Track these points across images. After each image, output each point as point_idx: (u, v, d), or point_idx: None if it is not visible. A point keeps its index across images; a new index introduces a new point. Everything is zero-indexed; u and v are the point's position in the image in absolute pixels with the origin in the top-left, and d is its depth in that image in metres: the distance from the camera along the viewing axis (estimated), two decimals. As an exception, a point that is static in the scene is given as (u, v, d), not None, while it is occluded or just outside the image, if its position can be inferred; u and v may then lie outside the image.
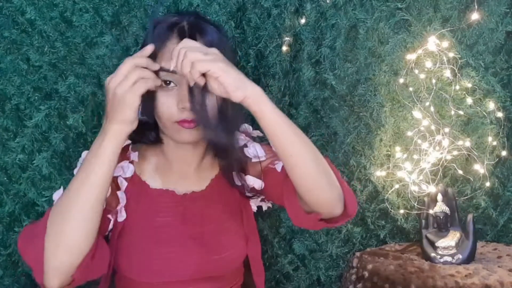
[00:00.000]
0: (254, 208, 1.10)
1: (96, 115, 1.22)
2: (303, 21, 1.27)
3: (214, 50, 0.81)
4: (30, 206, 1.22)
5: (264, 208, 1.12)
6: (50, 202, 1.20)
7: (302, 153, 0.84)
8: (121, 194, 0.96)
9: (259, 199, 1.08)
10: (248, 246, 1.03)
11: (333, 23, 1.28)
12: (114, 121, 0.80)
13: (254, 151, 1.01)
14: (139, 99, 0.80)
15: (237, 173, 1.01)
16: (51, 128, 1.21)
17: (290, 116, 1.27)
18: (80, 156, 1.19)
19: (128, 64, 0.80)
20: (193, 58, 0.78)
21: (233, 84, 0.79)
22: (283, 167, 0.95)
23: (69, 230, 0.80)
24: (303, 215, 0.90)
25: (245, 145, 1.03)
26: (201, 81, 0.81)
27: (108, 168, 0.81)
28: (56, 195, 0.90)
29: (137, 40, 1.21)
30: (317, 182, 0.85)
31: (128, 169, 0.97)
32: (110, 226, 0.94)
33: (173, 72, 0.84)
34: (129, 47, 1.21)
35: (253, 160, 1.01)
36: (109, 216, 0.93)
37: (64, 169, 1.22)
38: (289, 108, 1.29)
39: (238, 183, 1.02)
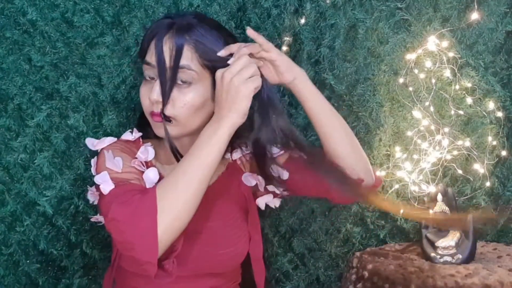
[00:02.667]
0: (263, 207, 1.11)
1: (97, 115, 1.23)
2: (302, 21, 1.27)
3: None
4: (31, 205, 1.22)
5: (276, 205, 1.14)
6: (51, 202, 1.21)
7: (338, 125, 1.01)
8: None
9: (271, 196, 1.11)
10: (250, 245, 1.04)
11: (333, 23, 1.28)
12: (232, 111, 0.85)
13: (275, 149, 1.07)
14: (253, 93, 0.87)
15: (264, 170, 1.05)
16: (52, 127, 1.22)
17: (290, 115, 1.28)
18: (82, 155, 1.22)
19: (246, 58, 0.88)
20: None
21: (286, 65, 0.94)
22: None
23: (184, 207, 0.83)
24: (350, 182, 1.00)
25: None
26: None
27: (220, 154, 0.87)
28: (100, 179, 0.90)
29: (137, 40, 1.22)
30: (353, 148, 1.02)
31: (148, 152, 0.99)
32: None
33: (153, 66, 0.92)
34: (129, 47, 1.22)
35: (274, 155, 1.06)
36: None
37: (65, 169, 1.23)
38: (289, 107, 1.29)
39: (253, 182, 1.07)
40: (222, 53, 0.92)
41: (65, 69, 1.21)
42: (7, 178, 1.22)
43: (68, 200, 1.23)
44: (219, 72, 0.87)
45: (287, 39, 1.27)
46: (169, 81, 0.90)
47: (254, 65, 0.88)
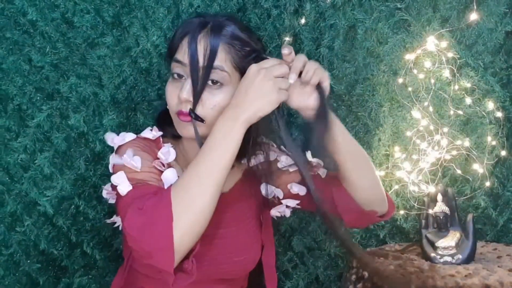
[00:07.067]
0: (276, 215, 1.09)
1: (98, 115, 1.23)
2: (302, 21, 1.27)
3: None
4: (31, 206, 1.23)
5: (287, 215, 1.12)
6: (51, 202, 1.22)
7: (359, 155, 0.96)
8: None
9: (284, 206, 1.08)
10: (263, 252, 1.03)
11: (332, 23, 1.28)
12: (250, 110, 0.83)
13: (287, 161, 1.03)
14: (277, 105, 0.85)
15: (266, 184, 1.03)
16: (52, 128, 1.22)
17: (290, 115, 1.28)
18: (82, 156, 1.22)
19: (286, 68, 0.86)
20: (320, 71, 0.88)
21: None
22: (327, 173, 1.02)
23: (200, 212, 0.80)
24: (361, 212, 0.98)
25: (277, 159, 1.04)
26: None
27: (235, 152, 0.83)
28: (117, 179, 0.86)
29: (137, 41, 1.22)
30: (372, 181, 0.97)
31: (170, 154, 0.95)
32: None
33: (184, 64, 0.89)
34: (130, 47, 1.22)
35: (290, 170, 1.03)
36: None
37: (66, 169, 1.23)
38: (288, 108, 1.29)
39: (271, 193, 1.04)
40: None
41: (65, 69, 1.21)
42: (7, 178, 1.22)
43: (69, 200, 1.24)
44: (255, 67, 0.84)
45: (287, 39, 1.27)
46: (201, 80, 0.88)
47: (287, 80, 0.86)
